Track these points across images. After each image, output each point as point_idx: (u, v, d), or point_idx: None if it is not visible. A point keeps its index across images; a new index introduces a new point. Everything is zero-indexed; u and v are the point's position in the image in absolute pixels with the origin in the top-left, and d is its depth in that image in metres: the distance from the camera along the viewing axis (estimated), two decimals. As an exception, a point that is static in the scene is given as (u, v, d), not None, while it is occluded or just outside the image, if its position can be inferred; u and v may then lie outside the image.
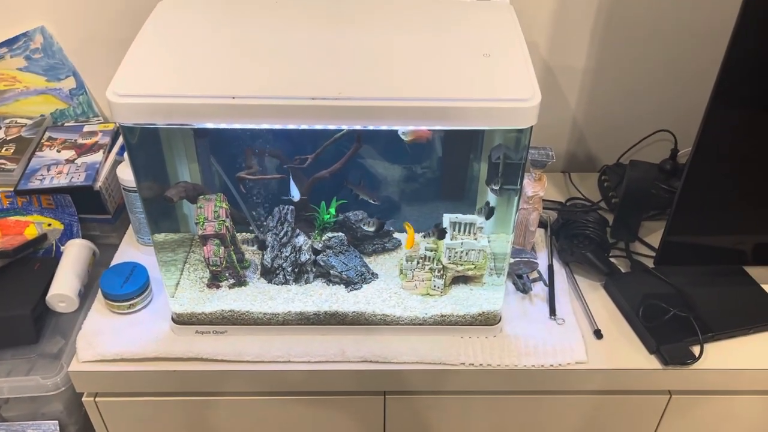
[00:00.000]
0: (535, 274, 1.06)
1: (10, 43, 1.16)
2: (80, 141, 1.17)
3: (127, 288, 0.97)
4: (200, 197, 0.97)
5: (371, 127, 0.79)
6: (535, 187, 1.03)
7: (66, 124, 1.23)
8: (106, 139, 1.17)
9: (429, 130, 0.92)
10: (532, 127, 0.77)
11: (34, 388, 0.95)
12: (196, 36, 0.85)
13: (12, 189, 1.09)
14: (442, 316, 0.96)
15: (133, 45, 0.81)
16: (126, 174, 1.03)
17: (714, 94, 0.88)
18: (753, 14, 0.83)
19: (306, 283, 1.01)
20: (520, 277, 1.04)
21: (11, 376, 0.95)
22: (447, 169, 1.04)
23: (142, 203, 0.90)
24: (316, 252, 1.01)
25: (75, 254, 1.06)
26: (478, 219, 0.99)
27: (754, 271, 1.07)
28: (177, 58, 0.80)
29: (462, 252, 0.98)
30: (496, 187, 0.96)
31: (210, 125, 0.78)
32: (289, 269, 1.00)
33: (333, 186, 1.02)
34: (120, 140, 1.18)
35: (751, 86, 0.89)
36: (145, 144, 0.89)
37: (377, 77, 0.78)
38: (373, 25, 0.88)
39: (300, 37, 0.85)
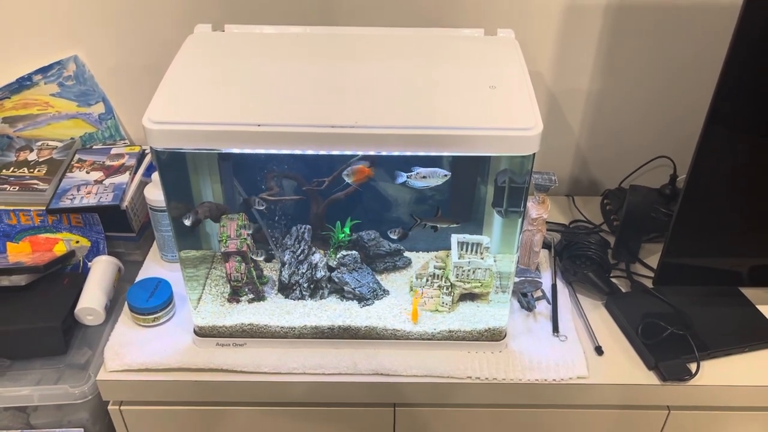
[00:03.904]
0: (539, 293, 1.09)
1: (44, 70, 1.22)
2: (108, 163, 1.22)
3: (152, 302, 1.02)
4: (223, 216, 1.02)
5: (384, 153, 0.84)
6: (539, 209, 1.07)
7: (95, 147, 1.29)
8: (132, 161, 1.22)
9: (368, 168, 0.96)
10: (534, 153, 0.82)
11: (63, 396, 0.98)
12: (223, 68, 0.91)
13: (44, 208, 1.13)
14: (449, 331, 1.00)
15: (165, 76, 0.87)
16: (153, 194, 1.08)
17: (707, 120, 0.91)
18: (744, 43, 0.86)
19: (321, 299, 1.05)
20: (524, 295, 1.07)
21: (41, 384, 0.98)
22: (455, 192, 1.08)
23: (170, 221, 0.96)
24: (330, 269, 1.06)
25: (102, 270, 1.11)
26: (485, 239, 1.03)
27: (750, 292, 1.10)
28: (206, 88, 0.86)
29: (469, 270, 1.02)
30: (501, 209, 1.00)
31: (236, 150, 0.83)
32: (306, 285, 1.04)
33: (347, 206, 1.06)
34: (145, 162, 1.23)
35: (743, 112, 0.92)
36: (174, 167, 0.94)
37: (390, 107, 0.83)
38: (387, 60, 0.94)
39: (319, 70, 0.90)
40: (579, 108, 1.29)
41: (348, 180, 0.96)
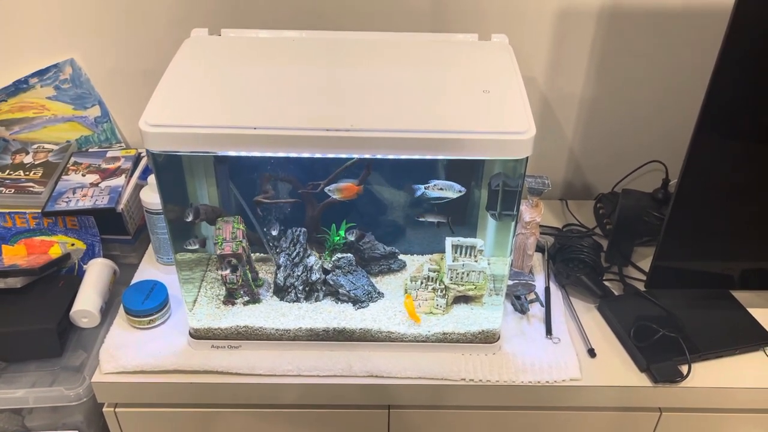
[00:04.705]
0: (532, 296, 1.10)
1: (41, 73, 1.23)
2: (104, 166, 1.23)
3: (148, 304, 1.02)
4: (219, 219, 1.02)
5: (379, 156, 0.85)
6: (532, 213, 1.08)
7: (90, 150, 1.29)
8: (128, 164, 1.23)
9: (357, 185, 0.97)
10: (527, 157, 0.83)
11: (58, 398, 0.98)
12: (219, 72, 0.92)
13: (39, 210, 1.14)
14: (443, 333, 1.00)
15: (162, 79, 0.87)
16: (149, 197, 1.09)
17: (698, 125, 0.93)
18: (735, 49, 0.87)
19: (316, 301, 1.05)
20: (518, 298, 1.08)
21: (36, 386, 0.99)
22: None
23: (166, 224, 0.96)
24: (326, 272, 1.06)
25: (97, 273, 1.11)
26: (479, 242, 1.04)
27: (740, 295, 1.11)
28: (202, 91, 0.87)
29: (463, 273, 1.03)
30: (495, 212, 1.01)
31: (232, 153, 0.84)
32: (301, 288, 1.05)
33: (343, 210, 1.07)
34: (141, 165, 1.24)
35: (733, 118, 0.93)
36: (170, 170, 0.95)
37: (386, 111, 0.84)
38: (382, 64, 0.95)
39: (314, 73, 0.91)
40: (572, 112, 1.30)
41: (334, 196, 0.98)
